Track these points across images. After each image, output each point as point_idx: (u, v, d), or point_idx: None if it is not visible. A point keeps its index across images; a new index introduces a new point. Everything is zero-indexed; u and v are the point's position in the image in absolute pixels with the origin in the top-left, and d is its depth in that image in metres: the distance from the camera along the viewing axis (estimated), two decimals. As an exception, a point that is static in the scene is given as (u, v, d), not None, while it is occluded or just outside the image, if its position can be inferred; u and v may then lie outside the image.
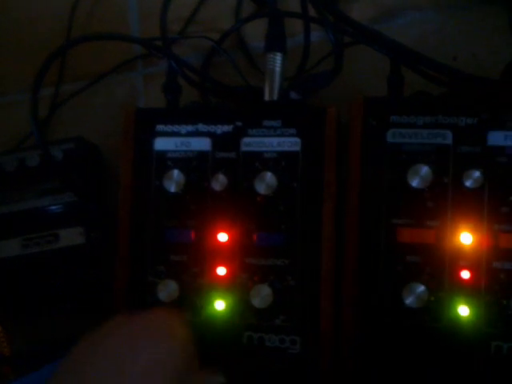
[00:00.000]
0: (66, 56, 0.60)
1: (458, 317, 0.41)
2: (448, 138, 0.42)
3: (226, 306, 0.45)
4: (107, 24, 0.61)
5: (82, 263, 0.50)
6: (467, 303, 0.41)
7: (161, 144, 0.48)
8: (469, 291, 0.41)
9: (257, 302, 0.44)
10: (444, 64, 0.45)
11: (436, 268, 0.41)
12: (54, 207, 0.51)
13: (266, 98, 0.48)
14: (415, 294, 0.41)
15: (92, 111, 0.59)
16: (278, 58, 0.47)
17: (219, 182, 0.46)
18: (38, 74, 0.47)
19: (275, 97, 0.47)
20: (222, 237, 0.46)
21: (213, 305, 0.45)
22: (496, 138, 0.41)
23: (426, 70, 0.46)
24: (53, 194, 0.51)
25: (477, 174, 0.41)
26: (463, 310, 0.41)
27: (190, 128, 0.47)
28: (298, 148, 0.45)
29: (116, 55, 0.59)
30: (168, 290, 0.46)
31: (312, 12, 0.53)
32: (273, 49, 0.47)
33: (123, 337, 0.34)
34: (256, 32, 0.55)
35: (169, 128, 0.48)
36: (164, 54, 0.54)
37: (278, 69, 0.47)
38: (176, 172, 0.46)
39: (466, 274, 0.41)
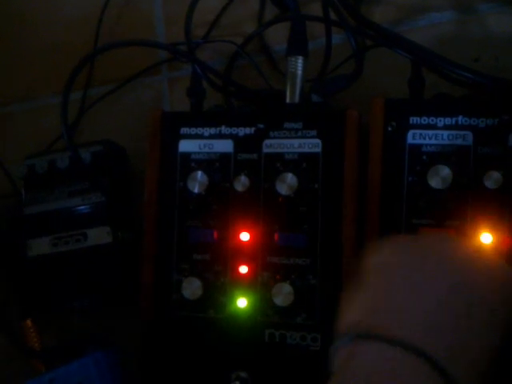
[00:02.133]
0: (94, 61, 0.62)
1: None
2: (468, 139, 0.43)
3: (248, 304, 0.46)
4: (134, 29, 0.62)
5: (108, 261, 0.52)
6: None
7: (185, 146, 0.49)
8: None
9: (278, 300, 0.45)
10: (465, 66, 0.45)
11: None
12: (82, 207, 0.52)
13: (288, 100, 0.48)
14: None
15: (119, 114, 0.61)
16: (300, 61, 0.48)
17: (241, 182, 0.47)
18: (68, 79, 0.49)
19: (297, 99, 0.48)
20: (244, 236, 0.47)
21: (235, 302, 0.46)
22: (517, 140, 0.41)
23: (447, 72, 0.46)
24: (81, 194, 0.52)
25: (497, 174, 0.41)
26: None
27: (213, 130, 0.48)
28: (318, 150, 0.46)
29: (142, 60, 0.60)
30: (192, 287, 0.47)
31: (333, 15, 0.54)
32: (294, 52, 0.48)
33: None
34: (278, 35, 0.56)
35: (193, 131, 0.49)
36: (188, 58, 0.55)
37: (299, 72, 0.48)
38: (199, 173, 0.47)
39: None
